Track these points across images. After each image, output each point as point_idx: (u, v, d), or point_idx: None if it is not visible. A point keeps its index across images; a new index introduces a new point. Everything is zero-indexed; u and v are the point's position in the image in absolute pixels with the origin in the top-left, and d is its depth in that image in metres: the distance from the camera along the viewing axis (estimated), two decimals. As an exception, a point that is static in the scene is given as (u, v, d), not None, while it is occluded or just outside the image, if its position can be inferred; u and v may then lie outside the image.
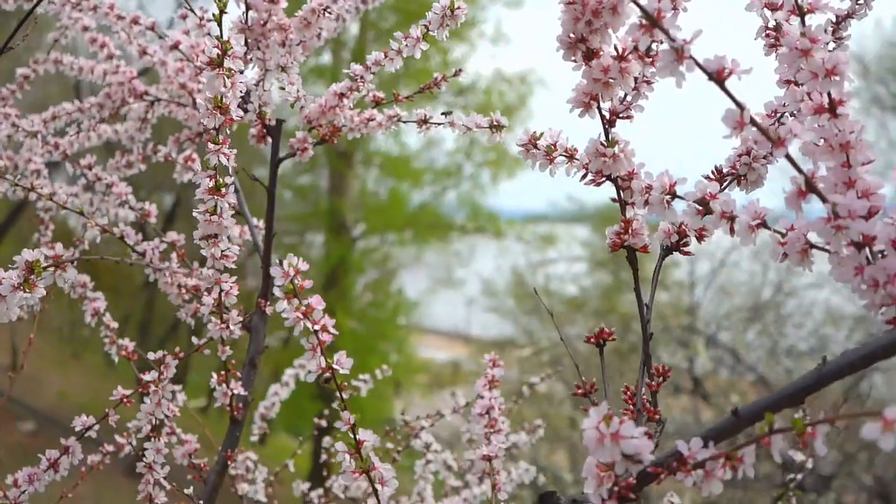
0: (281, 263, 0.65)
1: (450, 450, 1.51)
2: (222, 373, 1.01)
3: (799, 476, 1.10)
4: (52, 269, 0.72)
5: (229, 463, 1.03)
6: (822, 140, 0.58)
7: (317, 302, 0.66)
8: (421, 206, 11.50)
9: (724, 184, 0.73)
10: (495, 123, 0.88)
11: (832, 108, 0.57)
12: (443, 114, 0.99)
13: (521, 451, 1.49)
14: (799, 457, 1.15)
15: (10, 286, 0.70)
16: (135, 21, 1.12)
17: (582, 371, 0.73)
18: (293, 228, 11.45)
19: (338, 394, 0.68)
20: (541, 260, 9.22)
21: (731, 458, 0.53)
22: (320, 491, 1.37)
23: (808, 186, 0.55)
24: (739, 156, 0.73)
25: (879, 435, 0.43)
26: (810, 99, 0.59)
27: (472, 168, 11.58)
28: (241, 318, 0.96)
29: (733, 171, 0.73)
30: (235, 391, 1.02)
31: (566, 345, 0.89)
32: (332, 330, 0.66)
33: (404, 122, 1.00)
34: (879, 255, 0.56)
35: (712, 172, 0.73)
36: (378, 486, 0.68)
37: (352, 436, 0.69)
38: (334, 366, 0.67)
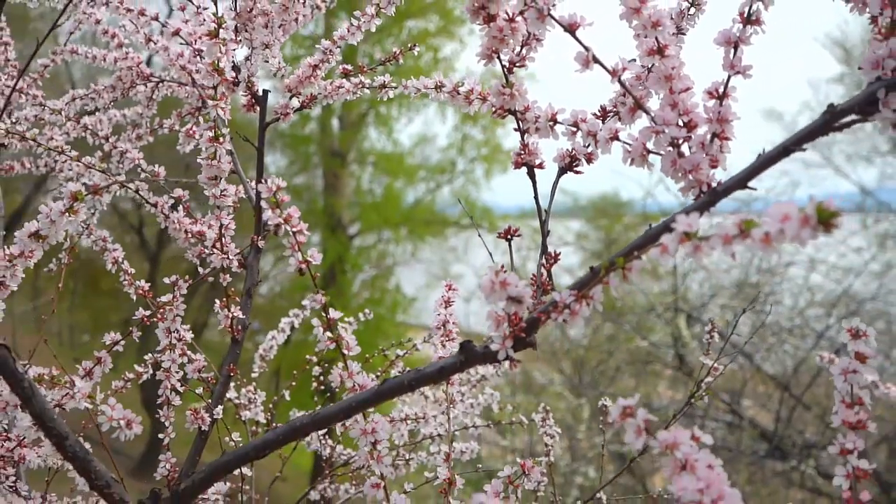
0: (266, 181, 0.87)
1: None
2: (224, 299, 1.22)
3: (709, 379, 1.32)
4: (91, 195, 0.94)
5: (231, 375, 1.24)
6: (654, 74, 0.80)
7: (294, 211, 0.88)
8: (415, 202, 11.72)
9: (607, 118, 0.95)
10: (439, 84, 1.09)
11: (660, 51, 0.79)
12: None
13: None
14: (707, 361, 1.37)
15: (59, 211, 0.92)
16: (141, 13, 1.33)
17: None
18: (290, 228, 11.63)
19: (312, 283, 0.90)
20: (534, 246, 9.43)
21: (586, 297, 0.74)
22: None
23: (637, 105, 0.77)
24: (618, 96, 0.95)
25: (659, 256, 0.64)
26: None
27: (466, 164, 11.82)
28: (238, 251, 1.18)
29: (615, 108, 0.95)
30: (236, 315, 1.23)
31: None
32: (306, 232, 0.88)
33: (367, 87, 1.22)
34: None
35: (598, 109, 0.95)
36: (345, 352, 0.90)
37: (324, 314, 0.90)
38: (308, 258, 0.88)
